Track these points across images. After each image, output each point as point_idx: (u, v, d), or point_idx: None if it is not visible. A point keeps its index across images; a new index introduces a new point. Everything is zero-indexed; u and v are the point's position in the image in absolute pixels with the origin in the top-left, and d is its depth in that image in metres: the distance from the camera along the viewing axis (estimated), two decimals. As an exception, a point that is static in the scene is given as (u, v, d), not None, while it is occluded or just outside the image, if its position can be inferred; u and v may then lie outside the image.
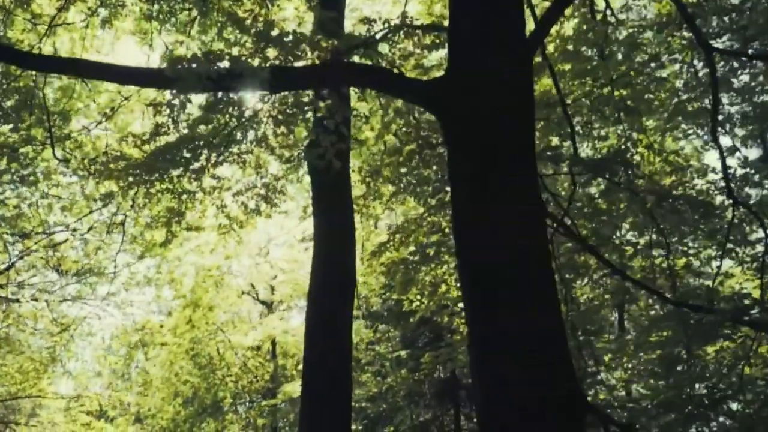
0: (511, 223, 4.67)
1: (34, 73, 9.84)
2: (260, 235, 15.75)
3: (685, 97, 9.85)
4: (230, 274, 17.15)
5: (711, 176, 10.29)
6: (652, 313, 16.05)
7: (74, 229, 13.34)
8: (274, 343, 19.64)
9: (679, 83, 9.90)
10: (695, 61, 8.37)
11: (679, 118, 10.65)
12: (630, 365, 9.94)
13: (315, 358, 7.84)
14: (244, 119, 7.62)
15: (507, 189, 4.79)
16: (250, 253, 16.13)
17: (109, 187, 9.01)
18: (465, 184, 4.92)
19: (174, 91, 5.69)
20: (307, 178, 10.15)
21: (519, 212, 4.74)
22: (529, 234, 4.71)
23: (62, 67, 5.33)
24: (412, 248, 9.78)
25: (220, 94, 7.26)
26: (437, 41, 7.19)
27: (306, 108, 7.37)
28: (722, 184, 10.15)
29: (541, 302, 4.51)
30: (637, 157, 7.57)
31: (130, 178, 8.21)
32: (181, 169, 8.15)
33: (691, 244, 8.09)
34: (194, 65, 4.65)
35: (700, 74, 8.70)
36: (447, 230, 8.63)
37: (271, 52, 6.30)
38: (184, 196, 8.56)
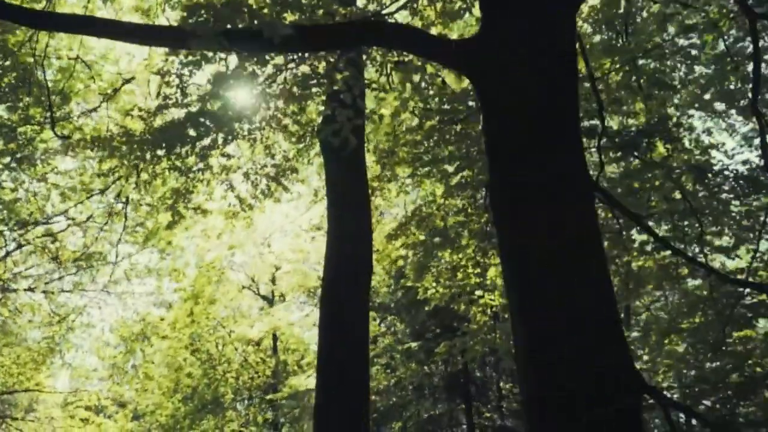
0: (555, 194, 4.27)
1: (33, 49, 9.44)
2: (265, 224, 15.31)
3: (705, 76, 9.51)
4: (232, 269, 16.78)
5: (736, 158, 9.93)
6: (660, 304, 15.71)
7: (73, 218, 12.93)
8: (275, 338, 19.28)
9: (700, 68, 9.53)
10: (731, 32, 8.00)
11: (696, 104, 10.31)
12: (653, 353, 9.58)
13: (328, 351, 7.48)
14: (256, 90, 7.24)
15: (550, 156, 4.37)
16: (254, 242, 15.71)
17: (112, 165, 8.59)
18: (503, 152, 4.50)
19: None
20: (319, 160, 9.74)
21: (563, 182, 4.33)
22: (576, 205, 4.32)
23: (76, 24, 4.93)
24: (423, 237, 9.37)
25: (232, 67, 6.90)
26: (463, 6, 6.82)
27: (321, 80, 6.98)
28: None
29: (590, 280, 4.12)
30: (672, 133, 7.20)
31: (134, 155, 7.81)
32: (189, 146, 7.76)
33: (727, 220, 7.71)
34: (210, 13, 4.28)
35: (732, 50, 8.34)
36: (469, 210, 8.25)
37: (287, 18, 5.93)
38: (191, 175, 8.15)
